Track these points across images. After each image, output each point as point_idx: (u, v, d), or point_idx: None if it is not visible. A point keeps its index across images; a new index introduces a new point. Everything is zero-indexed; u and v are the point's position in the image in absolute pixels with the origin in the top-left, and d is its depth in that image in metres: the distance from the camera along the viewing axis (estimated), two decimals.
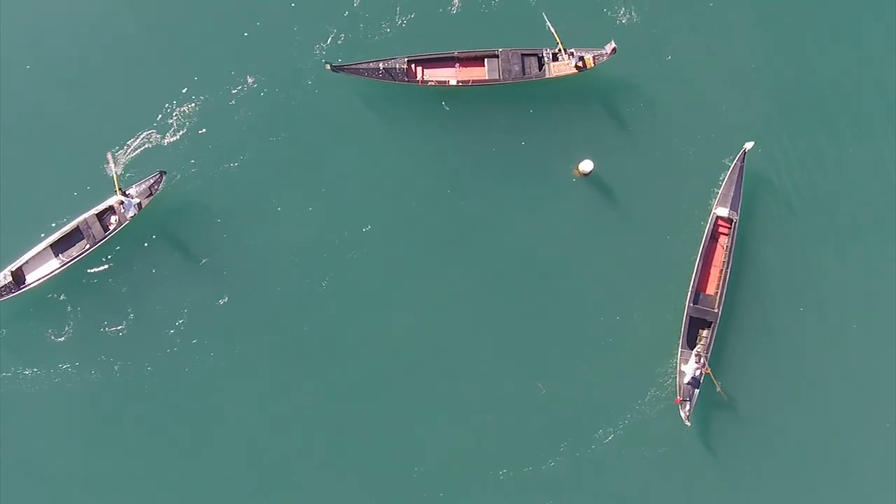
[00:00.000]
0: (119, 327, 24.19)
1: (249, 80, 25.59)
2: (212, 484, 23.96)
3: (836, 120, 26.75)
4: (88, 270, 24.34)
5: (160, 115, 25.11)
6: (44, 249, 24.11)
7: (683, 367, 24.37)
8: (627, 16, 26.77)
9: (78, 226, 24.11)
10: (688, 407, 24.12)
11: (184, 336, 24.30)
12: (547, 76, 26.06)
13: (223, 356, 24.33)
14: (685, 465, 24.57)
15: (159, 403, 24.09)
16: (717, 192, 25.76)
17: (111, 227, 24.06)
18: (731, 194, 25.48)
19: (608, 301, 25.38)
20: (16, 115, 25.09)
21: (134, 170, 24.74)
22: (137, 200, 23.95)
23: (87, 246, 24.06)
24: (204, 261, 24.73)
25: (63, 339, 24.08)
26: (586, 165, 25.44)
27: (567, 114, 26.24)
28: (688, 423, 24.10)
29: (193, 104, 25.23)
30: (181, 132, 25.02)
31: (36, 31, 25.80)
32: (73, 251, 24.12)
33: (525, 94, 26.18)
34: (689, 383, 24.08)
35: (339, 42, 26.15)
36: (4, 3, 25.64)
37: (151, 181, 24.16)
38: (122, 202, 23.83)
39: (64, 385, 23.93)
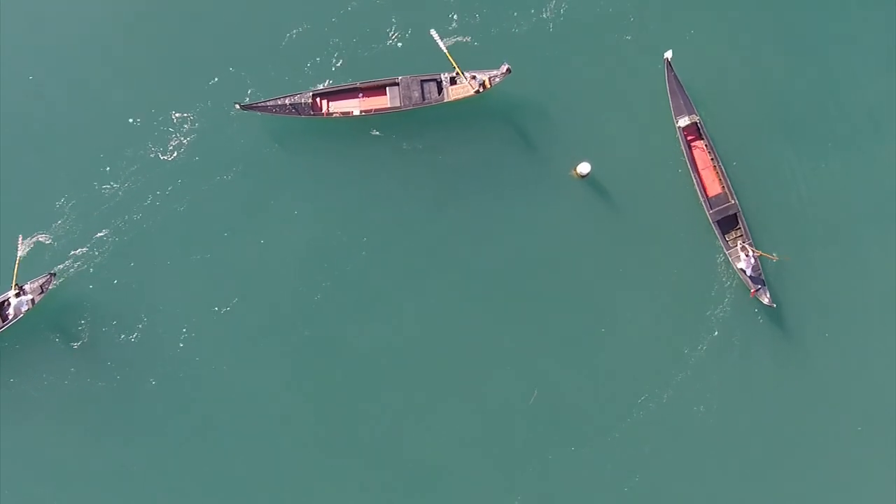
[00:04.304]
0: (129, 335, 24.97)
1: (237, 107, 25.79)
2: (214, 485, 24.58)
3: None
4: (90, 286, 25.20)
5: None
6: None
7: (738, 265, 25.57)
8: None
9: None
10: (766, 295, 25.35)
11: (188, 343, 25.03)
12: (446, 100, 26.14)
13: (226, 361, 25.08)
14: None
15: (163, 408, 24.80)
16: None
17: (9, 317, 24.69)
18: (681, 102, 26.48)
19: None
20: None
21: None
22: (31, 297, 24.61)
23: None
24: (206, 267, 25.44)
25: (72, 345, 24.79)
26: (584, 168, 26.04)
27: (548, 122, 26.72)
28: (773, 306, 25.33)
29: (190, 114, 26.10)
30: (178, 151, 25.92)
31: None
32: None
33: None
34: (751, 276, 25.37)
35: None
36: None
37: (42, 280, 24.85)
38: (17, 295, 24.49)
39: (70, 390, 24.60)
